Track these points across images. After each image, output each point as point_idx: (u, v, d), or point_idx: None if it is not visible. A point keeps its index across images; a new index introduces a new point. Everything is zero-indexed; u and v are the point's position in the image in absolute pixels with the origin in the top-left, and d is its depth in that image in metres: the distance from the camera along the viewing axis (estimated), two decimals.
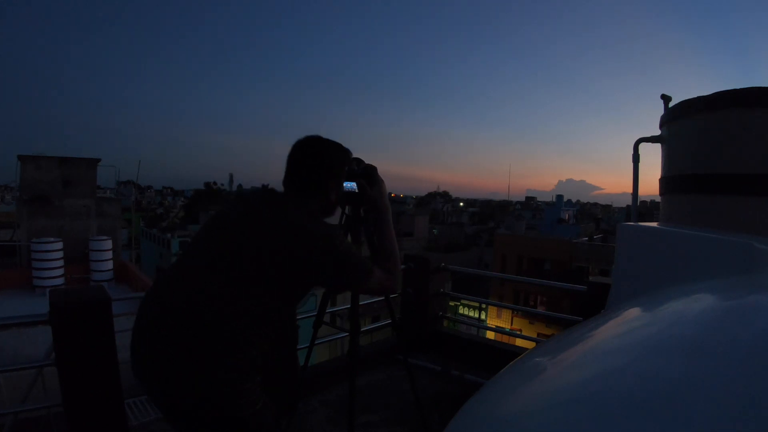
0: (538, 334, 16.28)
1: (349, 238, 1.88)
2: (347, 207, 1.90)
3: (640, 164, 2.41)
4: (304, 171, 1.47)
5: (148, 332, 1.29)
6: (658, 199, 2.28)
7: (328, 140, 1.53)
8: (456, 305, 22.17)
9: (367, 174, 1.69)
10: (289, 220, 1.33)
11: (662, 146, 2.25)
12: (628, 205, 4.83)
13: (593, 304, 2.82)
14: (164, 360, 1.24)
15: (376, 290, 1.55)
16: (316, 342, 2.32)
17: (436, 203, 78.37)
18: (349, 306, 2.11)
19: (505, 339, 12.31)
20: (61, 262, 9.96)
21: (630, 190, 2.56)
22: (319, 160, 1.47)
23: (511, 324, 24.77)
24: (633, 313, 1.03)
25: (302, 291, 1.41)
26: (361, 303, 2.08)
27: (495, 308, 24.79)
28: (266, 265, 1.28)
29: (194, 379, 1.22)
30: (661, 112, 2.28)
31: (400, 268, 1.60)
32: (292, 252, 1.29)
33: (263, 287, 1.29)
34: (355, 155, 1.70)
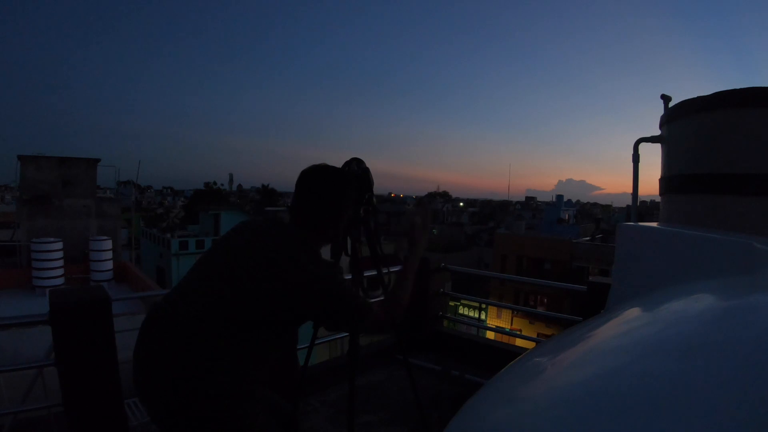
0: (538, 334, 16.29)
1: (349, 239, 1.88)
2: None
3: (640, 164, 2.41)
4: (312, 206, 1.47)
5: (147, 360, 1.28)
6: (658, 199, 2.29)
7: (335, 173, 1.53)
8: (456, 305, 22.17)
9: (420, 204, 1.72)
10: (291, 259, 1.32)
11: (662, 146, 2.25)
12: (628, 205, 4.83)
13: (593, 304, 2.82)
14: (161, 382, 1.24)
15: (372, 331, 1.49)
16: (316, 342, 2.32)
17: (436, 203, 78.33)
18: None
19: (505, 339, 12.32)
20: (61, 262, 9.97)
21: (630, 190, 2.56)
22: (327, 195, 1.48)
23: (511, 324, 24.77)
24: (633, 313, 1.03)
25: (298, 323, 1.40)
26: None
27: (495, 308, 24.80)
28: (263, 298, 1.28)
29: (190, 400, 1.22)
30: (661, 112, 2.28)
31: (403, 312, 1.52)
32: (290, 290, 1.29)
33: (260, 318, 1.28)
34: (355, 155, 1.70)
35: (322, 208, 1.48)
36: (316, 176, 1.50)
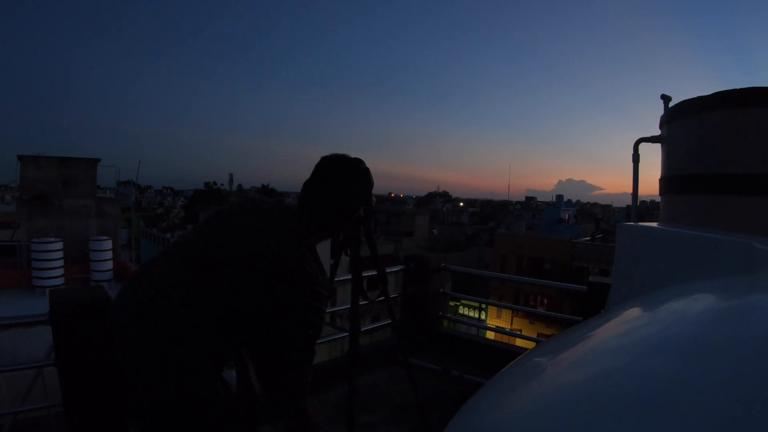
0: (538, 334, 16.29)
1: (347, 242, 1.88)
2: None
3: (640, 164, 2.41)
4: (329, 200, 1.41)
5: (137, 345, 1.24)
6: (658, 199, 2.29)
7: (357, 171, 1.46)
8: (456, 305, 22.18)
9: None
10: (282, 267, 1.25)
11: (662, 146, 2.25)
12: (628, 205, 4.83)
13: (593, 304, 2.82)
14: (150, 369, 1.22)
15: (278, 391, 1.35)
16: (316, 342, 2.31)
17: (436, 203, 78.26)
18: (349, 306, 2.11)
19: (505, 339, 12.31)
20: (61, 262, 9.97)
21: (630, 190, 2.56)
22: (346, 193, 1.43)
23: (511, 324, 24.78)
24: (633, 313, 1.03)
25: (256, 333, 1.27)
26: (361, 303, 2.09)
27: (495, 308, 24.81)
28: (259, 293, 1.23)
29: (177, 385, 1.21)
30: (661, 112, 2.28)
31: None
32: (279, 290, 1.24)
33: (253, 312, 1.23)
34: (355, 155, 1.70)
35: (338, 205, 1.43)
36: (339, 170, 1.44)
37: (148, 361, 1.21)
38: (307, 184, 1.43)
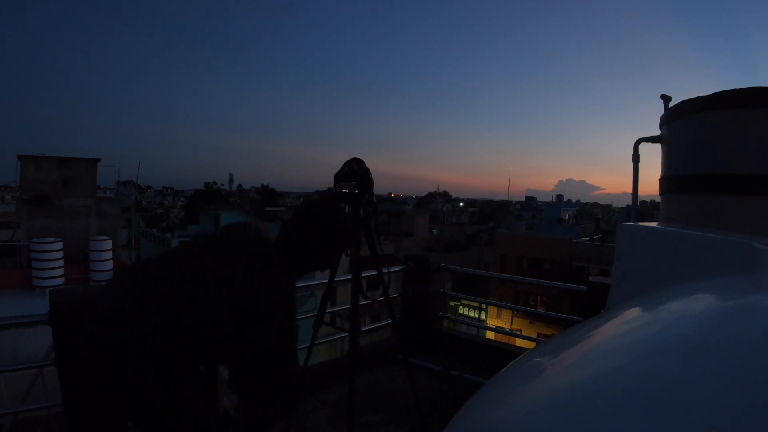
0: (538, 334, 16.28)
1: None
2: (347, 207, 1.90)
3: (640, 164, 2.41)
4: (310, 253, 1.43)
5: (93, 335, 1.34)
6: (658, 199, 2.29)
7: (342, 227, 1.47)
8: (456, 305, 22.18)
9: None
10: (248, 292, 1.28)
11: (662, 146, 2.25)
12: (628, 205, 4.83)
13: (593, 304, 2.82)
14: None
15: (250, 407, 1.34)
16: (316, 342, 2.32)
17: (436, 203, 78.25)
18: (349, 306, 2.12)
19: (505, 339, 12.31)
20: (61, 262, 9.98)
21: (630, 190, 2.56)
22: (326, 250, 1.46)
23: (511, 324, 24.77)
24: (633, 313, 1.03)
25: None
26: (361, 303, 2.09)
27: (495, 308, 24.80)
28: (201, 311, 1.28)
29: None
30: (661, 112, 2.28)
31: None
32: (230, 316, 1.27)
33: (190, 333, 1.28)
34: (355, 155, 1.71)
35: (317, 257, 1.46)
36: (317, 221, 1.44)
37: (111, 361, 1.31)
38: (286, 226, 1.44)
